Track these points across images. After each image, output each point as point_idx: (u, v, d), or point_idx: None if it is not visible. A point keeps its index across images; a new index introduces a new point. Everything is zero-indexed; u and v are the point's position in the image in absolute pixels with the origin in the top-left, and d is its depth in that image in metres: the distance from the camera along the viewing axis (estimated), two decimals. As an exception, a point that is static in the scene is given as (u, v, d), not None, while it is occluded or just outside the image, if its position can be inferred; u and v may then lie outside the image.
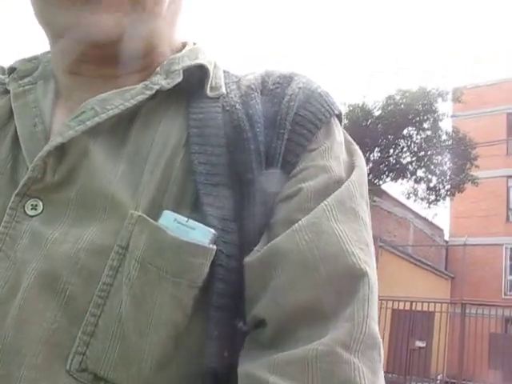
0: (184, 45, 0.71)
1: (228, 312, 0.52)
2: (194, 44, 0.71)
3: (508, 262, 18.91)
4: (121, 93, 0.60)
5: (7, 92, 0.66)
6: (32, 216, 0.55)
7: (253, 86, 0.64)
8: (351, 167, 0.61)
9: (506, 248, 18.94)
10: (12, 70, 0.68)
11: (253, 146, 0.58)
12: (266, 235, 0.55)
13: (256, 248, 0.54)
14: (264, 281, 0.52)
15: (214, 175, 0.56)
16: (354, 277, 0.51)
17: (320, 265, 0.51)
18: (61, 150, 0.56)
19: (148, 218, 0.52)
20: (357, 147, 0.65)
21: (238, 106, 0.61)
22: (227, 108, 0.61)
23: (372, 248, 0.56)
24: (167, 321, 0.50)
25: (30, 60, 0.70)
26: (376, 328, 0.51)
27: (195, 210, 0.54)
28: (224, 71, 0.69)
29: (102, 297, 0.51)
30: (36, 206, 0.55)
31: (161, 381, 0.51)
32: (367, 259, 0.53)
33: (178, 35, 0.70)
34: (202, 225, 0.52)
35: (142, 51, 0.64)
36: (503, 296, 17.80)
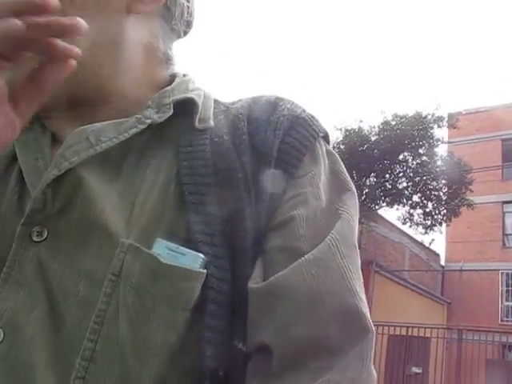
0: (174, 76, 0.73)
1: (220, 333, 0.55)
2: (184, 76, 0.73)
3: (504, 288, 18.85)
4: (115, 125, 0.62)
5: None
6: (38, 242, 0.58)
7: (240, 116, 0.67)
8: (342, 191, 0.65)
9: (502, 274, 18.88)
10: None
11: (241, 175, 0.61)
12: (261, 261, 0.59)
13: (256, 273, 0.58)
14: (270, 309, 0.56)
15: (203, 204, 0.59)
16: (358, 317, 0.56)
17: (326, 300, 0.55)
18: (58, 181, 0.59)
19: (140, 247, 0.56)
20: (343, 168, 0.68)
21: (225, 137, 0.64)
22: (215, 139, 0.64)
23: None
24: (162, 343, 0.54)
25: None
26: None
27: (187, 238, 0.58)
28: (214, 100, 0.72)
29: (98, 323, 0.54)
30: (41, 232, 0.59)
31: None
32: (363, 299, 0.57)
33: (165, 68, 0.72)
34: (191, 250, 0.56)
35: (127, 88, 0.66)
36: (500, 322, 17.72)
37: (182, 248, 0.56)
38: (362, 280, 0.60)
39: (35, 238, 0.58)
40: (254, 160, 0.62)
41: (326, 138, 0.69)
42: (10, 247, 0.58)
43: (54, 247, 0.58)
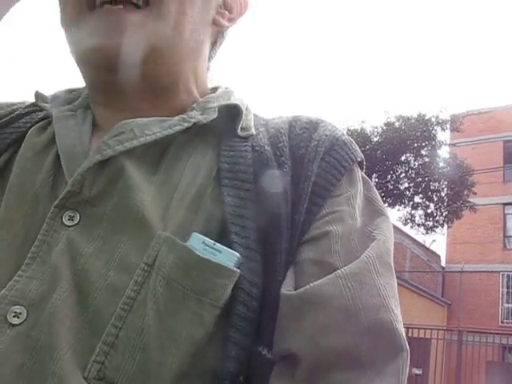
0: (216, 89, 0.76)
1: (247, 336, 0.54)
2: (226, 88, 0.76)
3: (505, 290, 18.85)
4: (159, 121, 0.64)
5: (48, 117, 0.71)
6: (69, 226, 0.58)
7: (281, 130, 0.68)
8: (376, 215, 0.66)
9: (502, 275, 18.88)
10: (55, 97, 0.74)
11: (279, 185, 0.61)
12: (293, 271, 0.59)
13: (287, 282, 0.58)
14: (301, 317, 0.55)
15: (241, 208, 0.59)
16: (393, 333, 0.55)
17: (361, 313, 0.54)
18: (99, 167, 0.60)
19: (176, 239, 0.55)
20: (377, 195, 0.70)
21: (266, 148, 0.65)
22: (257, 148, 0.65)
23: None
24: (188, 337, 0.53)
25: (71, 91, 0.76)
26: None
27: (222, 237, 0.57)
28: (254, 114, 0.74)
29: (125, 310, 0.53)
30: (73, 217, 0.59)
31: None
32: (400, 318, 0.58)
33: (207, 79, 0.76)
34: (228, 248, 0.56)
35: (169, 84, 0.69)
36: (500, 324, 17.71)
37: (218, 245, 0.55)
38: (398, 300, 0.60)
39: (66, 222, 0.58)
40: (294, 173, 0.63)
41: (361, 163, 0.70)
42: (40, 227, 0.58)
43: (85, 232, 0.58)
